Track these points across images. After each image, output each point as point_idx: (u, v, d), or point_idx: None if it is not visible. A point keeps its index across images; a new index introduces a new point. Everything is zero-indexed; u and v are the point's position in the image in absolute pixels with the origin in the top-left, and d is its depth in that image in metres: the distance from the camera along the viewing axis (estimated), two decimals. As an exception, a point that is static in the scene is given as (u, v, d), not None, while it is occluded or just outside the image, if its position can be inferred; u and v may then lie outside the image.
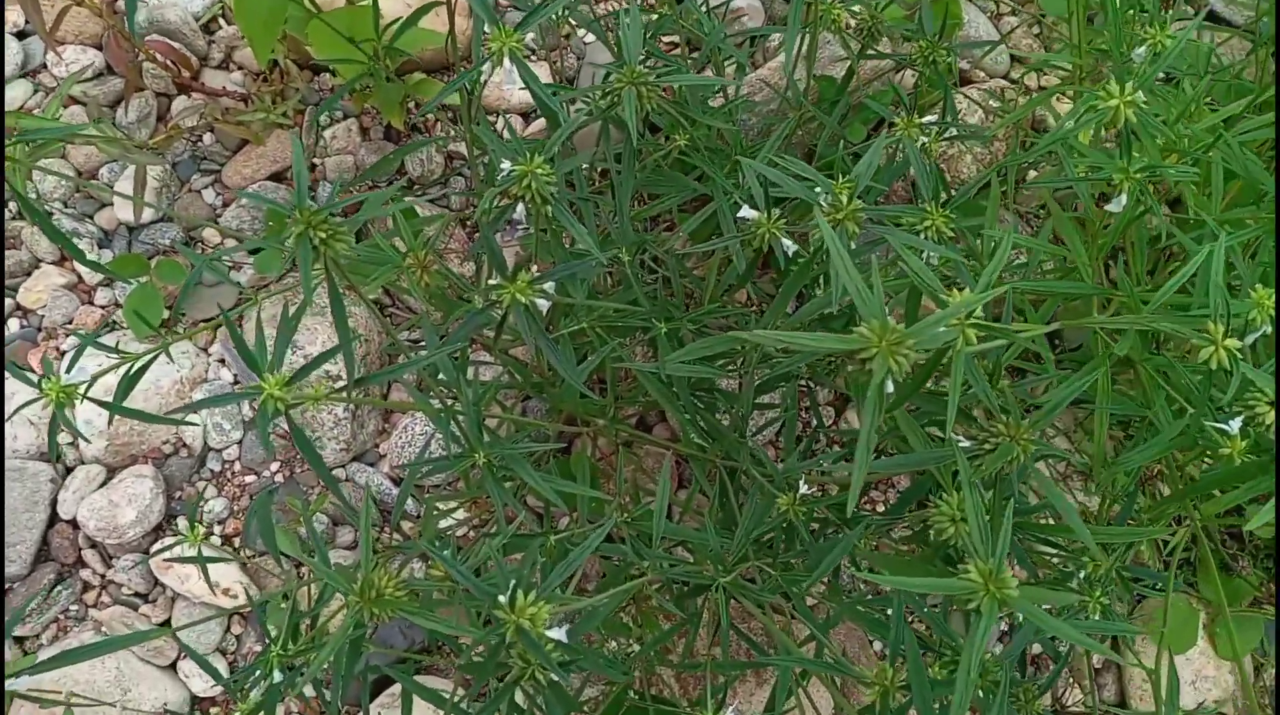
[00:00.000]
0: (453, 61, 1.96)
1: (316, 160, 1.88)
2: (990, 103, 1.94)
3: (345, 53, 1.42)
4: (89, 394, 1.19)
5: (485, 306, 1.04)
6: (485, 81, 1.83)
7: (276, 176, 1.85)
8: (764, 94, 1.89)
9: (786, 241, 1.11)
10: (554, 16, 1.05)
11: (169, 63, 1.81)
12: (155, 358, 1.16)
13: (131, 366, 1.15)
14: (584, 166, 1.45)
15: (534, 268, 1.09)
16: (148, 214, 1.79)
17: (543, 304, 1.07)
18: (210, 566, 1.55)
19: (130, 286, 1.75)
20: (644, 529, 1.23)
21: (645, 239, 1.30)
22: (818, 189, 0.97)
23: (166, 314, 1.77)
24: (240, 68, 1.91)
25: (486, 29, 1.81)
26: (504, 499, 1.07)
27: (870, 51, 1.50)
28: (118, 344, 1.29)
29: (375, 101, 1.70)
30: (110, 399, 1.16)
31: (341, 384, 1.67)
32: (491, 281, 1.06)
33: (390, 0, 1.82)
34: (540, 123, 1.94)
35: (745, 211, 1.12)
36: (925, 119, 1.29)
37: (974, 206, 1.85)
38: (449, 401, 1.42)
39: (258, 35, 1.42)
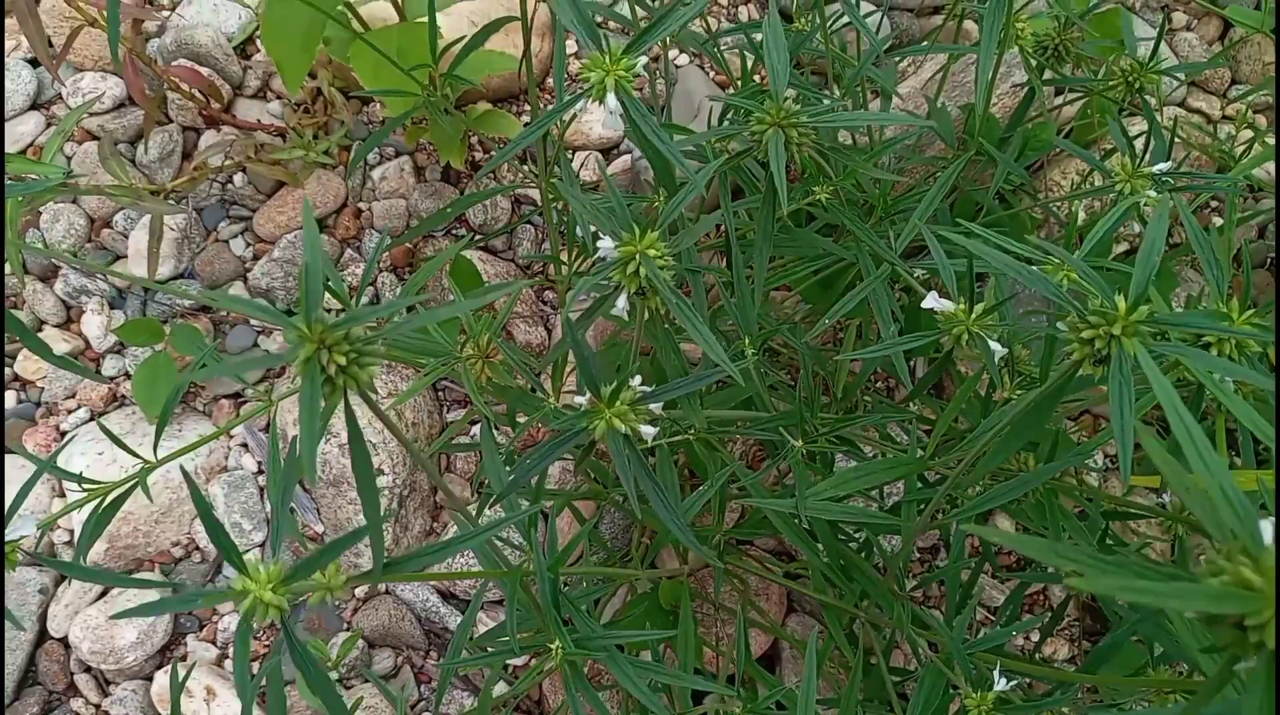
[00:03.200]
0: (525, 89, 1.67)
1: (363, 205, 1.60)
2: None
3: (396, 83, 1.13)
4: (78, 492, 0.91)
5: (567, 436, 0.74)
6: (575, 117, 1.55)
7: (317, 224, 1.58)
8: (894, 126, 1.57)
9: (995, 345, 0.79)
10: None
11: (196, 92, 1.55)
12: (132, 490, 0.87)
13: (102, 501, 0.87)
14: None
15: (636, 380, 0.78)
16: (166, 268, 1.52)
17: (647, 430, 0.76)
18: (223, 696, 1.27)
19: (143, 355, 1.49)
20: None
21: (772, 327, 0.99)
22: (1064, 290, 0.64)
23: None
24: (279, 96, 1.65)
25: (574, 50, 1.50)
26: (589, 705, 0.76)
27: (1056, 75, 1.18)
28: (120, 440, 1.02)
29: (431, 138, 1.42)
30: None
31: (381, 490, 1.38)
32: (578, 398, 0.76)
33: (453, 20, 1.55)
34: (624, 160, 1.64)
35: (933, 301, 0.80)
36: (1158, 167, 0.95)
37: (1161, 271, 1.50)
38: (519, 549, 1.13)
39: (289, 63, 1.14)
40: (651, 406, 0.75)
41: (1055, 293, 0.64)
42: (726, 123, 1.16)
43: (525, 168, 1.57)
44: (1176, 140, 1.56)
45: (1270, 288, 1.60)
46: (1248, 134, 1.55)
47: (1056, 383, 0.65)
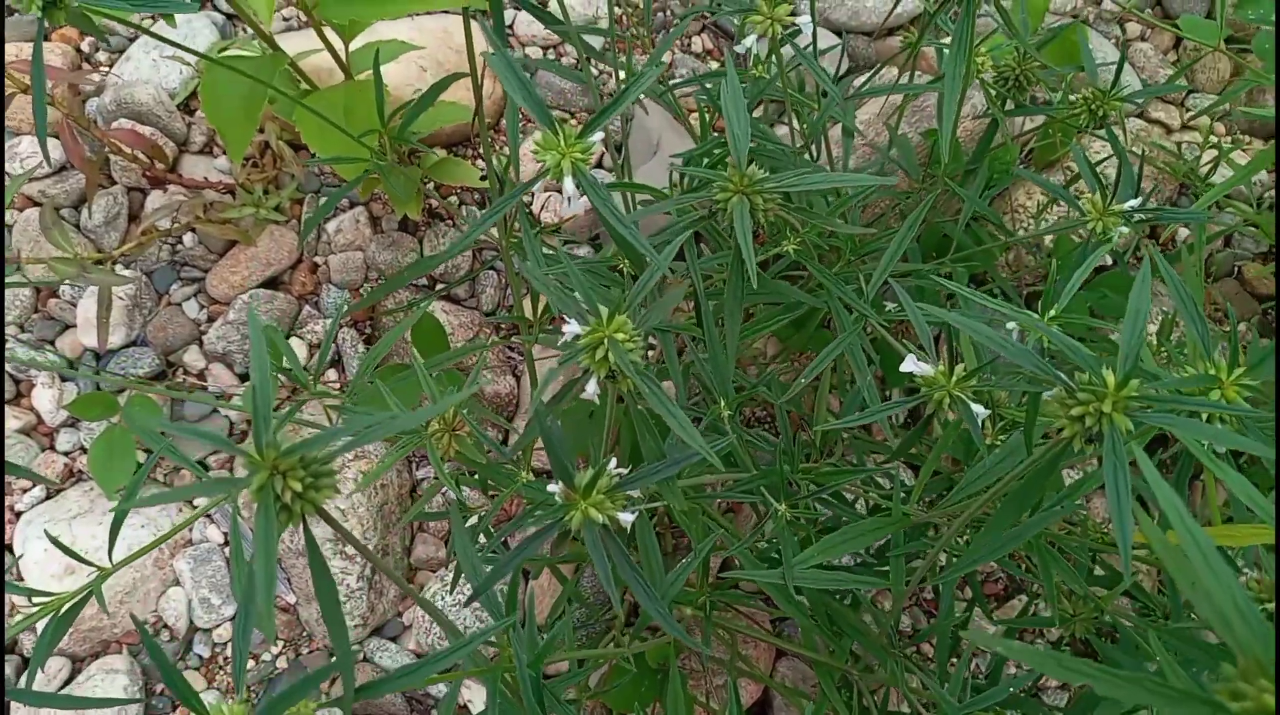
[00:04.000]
0: (478, 134, 1.64)
1: (319, 259, 1.56)
2: (1131, 148, 1.58)
3: (344, 149, 1.10)
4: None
5: (540, 532, 0.71)
6: (535, 196, 1.51)
7: (272, 282, 1.54)
8: (857, 155, 1.55)
9: (978, 407, 0.76)
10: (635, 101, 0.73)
11: (138, 154, 1.50)
12: (87, 600, 0.83)
13: (60, 609, 0.82)
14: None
15: (612, 462, 0.75)
16: (118, 337, 1.47)
17: (625, 517, 0.73)
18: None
19: (99, 428, 1.43)
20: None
21: (749, 386, 0.96)
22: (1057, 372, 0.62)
23: (141, 459, 1.46)
24: (226, 152, 1.60)
25: (525, 111, 1.46)
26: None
27: (1017, 105, 1.16)
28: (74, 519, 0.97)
29: (385, 190, 1.38)
30: (86, 559, 0.84)
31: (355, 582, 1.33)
32: (551, 486, 0.73)
33: (402, 67, 1.51)
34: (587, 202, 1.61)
35: (911, 364, 0.78)
36: (1127, 204, 0.94)
37: (1125, 281, 1.50)
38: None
39: (232, 132, 1.10)
40: (629, 491, 0.72)
41: (1040, 366, 0.62)
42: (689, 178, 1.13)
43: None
44: (1137, 154, 1.55)
45: (1239, 296, 1.60)
46: (1214, 151, 1.55)
47: (1046, 459, 0.63)
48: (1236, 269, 1.64)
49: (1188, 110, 1.72)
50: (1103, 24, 1.77)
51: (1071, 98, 1.18)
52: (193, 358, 1.48)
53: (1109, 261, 1.55)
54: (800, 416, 1.31)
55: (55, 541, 0.83)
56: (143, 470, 0.90)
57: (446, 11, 1.61)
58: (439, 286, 1.55)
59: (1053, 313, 0.78)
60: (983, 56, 1.07)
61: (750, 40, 0.88)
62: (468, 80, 1.53)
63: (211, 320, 1.51)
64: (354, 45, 1.29)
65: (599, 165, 1.66)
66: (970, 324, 0.64)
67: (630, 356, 0.69)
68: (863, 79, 1.41)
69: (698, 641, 0.96)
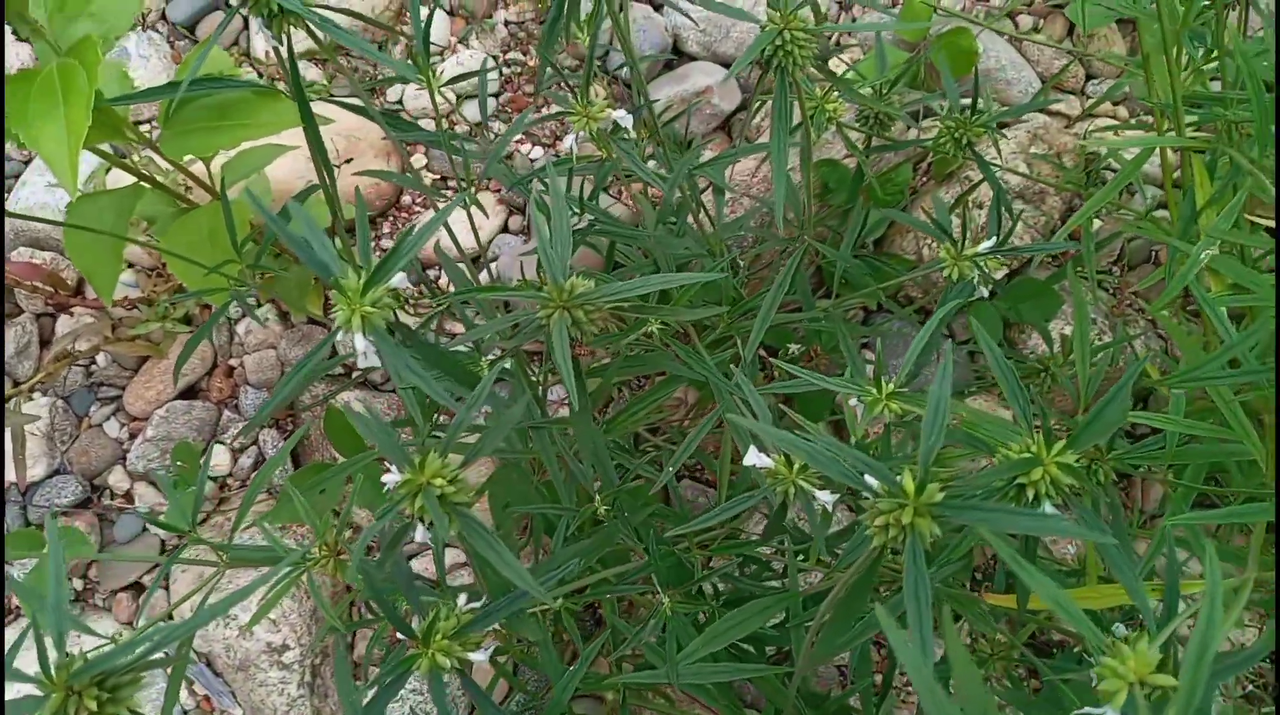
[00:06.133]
0: (385, 207, 1.63)
1: (234, 361, 1.55)
2: (1031, 149, 1.57)
3: (207, 281, 1.09)
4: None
5: (393, 682, 0.70)
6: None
7: (189, 391, 1.54)
8: (751, 195, 1.54)
9: (823, 495, 0.75)
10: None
11: (38, 284, 1.50)
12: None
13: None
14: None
15: (461, 599, 0.75)
16: (39, 469, 1.47)
17: (478, 657, 0.73)
18: None
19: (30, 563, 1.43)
20: None
21: (622, 492, 0.95)
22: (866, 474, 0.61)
23: (79, 587, 1.46)
24: (131, 264, 1.60)
25: (423, 163, 1.48)
26: None
27: (880, 143, 1.15)
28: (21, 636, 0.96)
29: (277, 293, 1.38)
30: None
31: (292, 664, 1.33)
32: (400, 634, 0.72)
33: (291, 161, 1.50)
34: (500, 262, 1.61)
35: (754, 457, 0.77)
36: (982, 247, 0.93)
37: (1035, 287, 1.49)
38: None
39: (98, 273, 1.10)
40: (475, 635, 0.72)
41: (845, 475, 0.61)
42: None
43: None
44: (1037, 157, 1.54)
45: (1161, 284, 1.59)
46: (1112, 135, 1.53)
47: (863, 571, 0.62)
48: (1153, 254, 1.63)
49: (1088, 98, 1.71)
50: (993, 20, 1.76)
51: (945, 120, 1.17)
52: (117, 479, 1.48)
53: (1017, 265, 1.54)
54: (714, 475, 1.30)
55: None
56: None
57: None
58: (354, 374, 1.55)
59: (891, 388, 0.77)
60: (834, 103, 1.06)
61: (569, 141, 0.87)
62: (372, 161, 1.53)
63: (134, 437, 1.51)
64: (231, 155, 1.28)
65: (505, 228, 1.66)
66: (774, 433, 0.63)
67: (457, 496, 0.68)
68: (751, 110, 1.40)
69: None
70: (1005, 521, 0.59)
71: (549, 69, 0.95)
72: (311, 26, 0.80)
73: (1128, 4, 0.96)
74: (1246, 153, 0.86)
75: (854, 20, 1.62)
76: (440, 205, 1.12)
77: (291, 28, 0.82)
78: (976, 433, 0.74)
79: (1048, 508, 0.66)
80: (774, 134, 0.87)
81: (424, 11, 1.10)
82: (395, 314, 0.72)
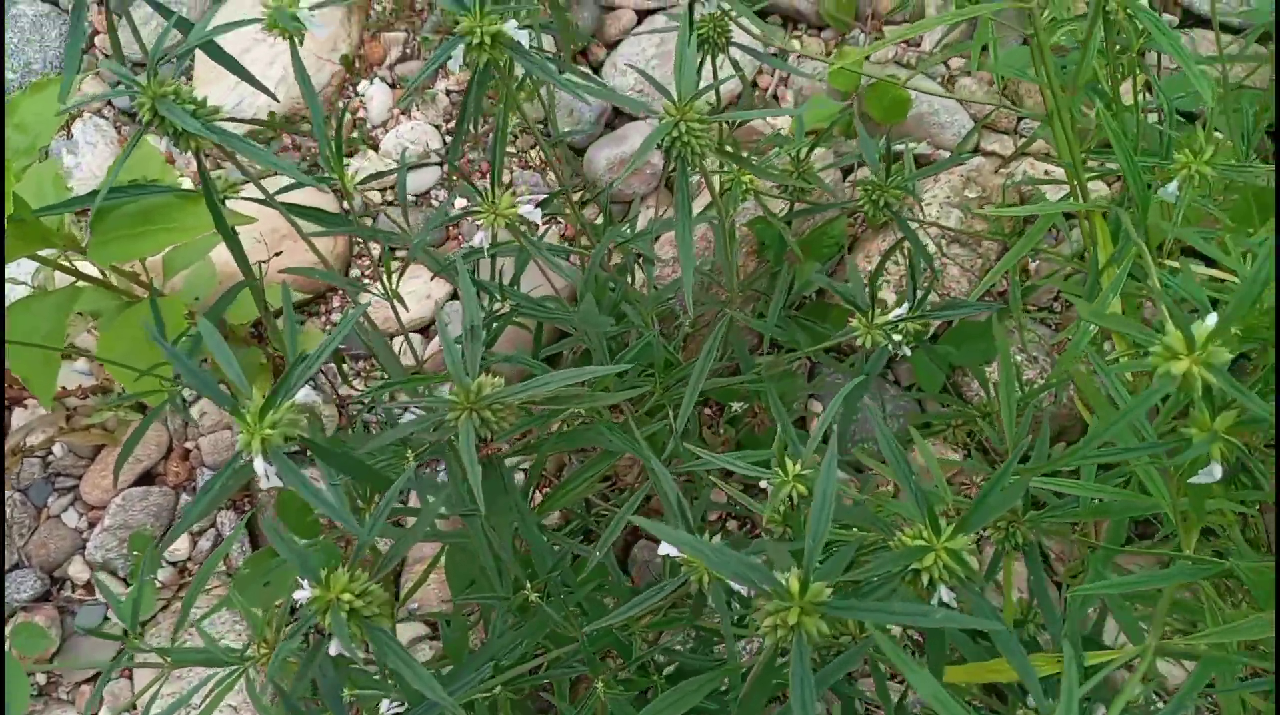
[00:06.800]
0: (326, 289, 1.65)
1: (189, 444, 1.56)
2: (966, 192, 1.60)
3: (146, 383, 1.11)
4: None
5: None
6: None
7: (146, 476, 1.55)
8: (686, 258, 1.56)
9: (734, 584, 0.77)
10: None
11: (-11, 378, 1.51)
12: None
13: None
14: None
15: (383, 704, 0.76)
16: (-2, 563, 1.48)
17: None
18: None
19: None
20: None
21: (562, 568, 0.96)
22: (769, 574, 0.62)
23: (43, 681, 1.46)
24: (84, 354, 1.61)
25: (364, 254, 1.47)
26: None
27: (803, 206, 1.17)
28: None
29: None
30: None
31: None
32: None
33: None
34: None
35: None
36: (893, 314, 0.95)
37: (974, 329, 1.51)
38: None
39: (36, 379, 1.11)
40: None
41: (737, 575, 0.62)
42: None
43: (345, 369, 1.54)
44: (967, 202, 1.57)
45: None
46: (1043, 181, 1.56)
47: (762, 671, 0.63)
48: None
49: (1021, 136, 1.74)
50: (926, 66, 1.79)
51: (860, 184, 1.19)
52: (77, 570, 1.49)
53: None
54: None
55: None
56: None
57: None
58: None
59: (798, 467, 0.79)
60: (748, 176, 1.08)
61: (479, 237, 0.89)
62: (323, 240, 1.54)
63: (93, 526, 1.51)
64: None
65: (454, 296, 1.67)
66: (670, 533, 0.64)
67: (367, 610, 0.69)
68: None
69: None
70: (888, 616, 0.61)
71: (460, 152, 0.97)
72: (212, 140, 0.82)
73: (1020, 71, 0.99)
74: (1136, 213, 0.88)
75: (786, 80, 1.65)
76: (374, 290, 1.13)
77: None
78: (881, 514, 0.75)
79: (943, 591, 0.68)
80: (678, 219, 0.89)
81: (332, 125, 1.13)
82: (303, 426, 0.74)
